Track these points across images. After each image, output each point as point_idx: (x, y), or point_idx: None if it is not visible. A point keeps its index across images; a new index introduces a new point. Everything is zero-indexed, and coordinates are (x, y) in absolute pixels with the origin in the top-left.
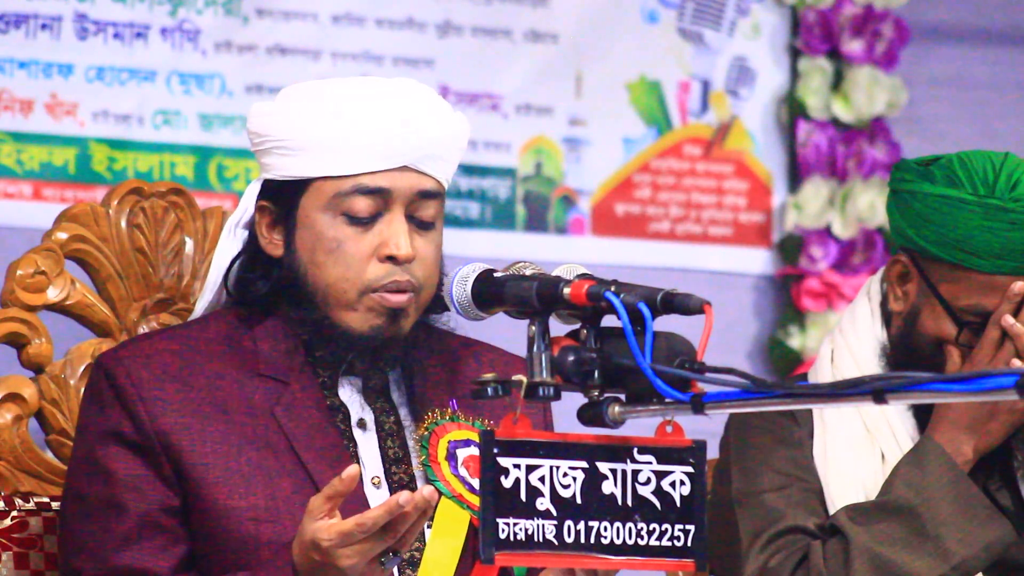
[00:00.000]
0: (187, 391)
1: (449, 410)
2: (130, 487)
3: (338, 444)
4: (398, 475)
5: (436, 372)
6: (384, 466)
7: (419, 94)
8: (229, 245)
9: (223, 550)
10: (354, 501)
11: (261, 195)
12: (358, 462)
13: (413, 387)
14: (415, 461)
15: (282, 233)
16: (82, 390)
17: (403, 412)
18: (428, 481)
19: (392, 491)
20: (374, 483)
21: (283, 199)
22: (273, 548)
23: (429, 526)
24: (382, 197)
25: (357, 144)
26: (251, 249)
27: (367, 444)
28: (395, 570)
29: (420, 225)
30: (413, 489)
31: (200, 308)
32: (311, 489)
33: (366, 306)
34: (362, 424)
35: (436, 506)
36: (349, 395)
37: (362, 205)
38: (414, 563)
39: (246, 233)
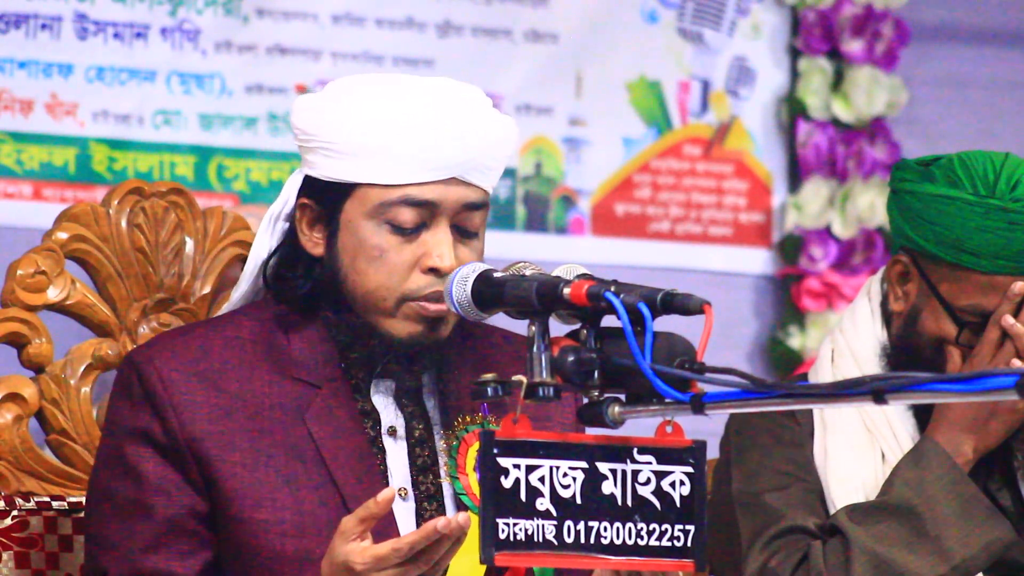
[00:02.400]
0: (218, 395)
1: (480, 415)
2: (158, 490)
3: (367, 455)
4: (425, 485)
5: (470, 373)
6: (412, 475)
7: (470, 103)
8: (267, 238)
9: (247, 561)
10: None
11: (303, 191)
12: (386, 472)
13: (446, 391)
14: (442, 471)
15: (323, 232)
16: (83, 390)
17: (435, 417)
18: (455, 495)
19: (419, 503)
20: (401, 495)
21: (326, 199)
22: (298, 563)
23: None
24: (428, 209)
25: (406, 154)
26: (290, 244)
27: (396, 453)
28: None
29: (464, 234)
30: (440, 501)
31: (235, 298)
32: (338, 502)
33: (404, 314)
34: (392, 432)
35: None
36: (382, 399)
37: (407, 216)
38: None
39: (286, 225)
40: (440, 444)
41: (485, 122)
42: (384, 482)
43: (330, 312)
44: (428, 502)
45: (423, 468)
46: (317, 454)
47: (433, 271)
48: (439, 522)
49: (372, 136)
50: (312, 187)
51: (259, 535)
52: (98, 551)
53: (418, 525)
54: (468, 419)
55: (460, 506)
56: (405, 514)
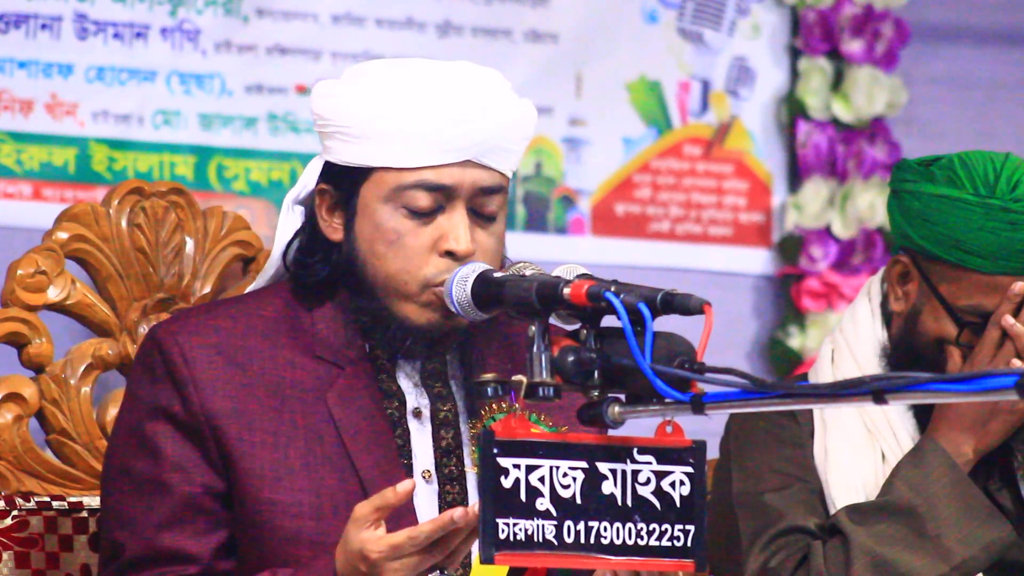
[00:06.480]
0: (240, 373)
1: (507, 402)
2: (176, 467)
3: (388, 438)
4: (449, 468)
5: (496, 358)
6: (436, 458)
7: (485, 85)
8: (288, 221)
9: (263, 541)
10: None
11: (322, 177)
12: (409, 454)
13: (470, 372)
14: (468, 460)
15: (342, 218)
16: (83, 390)
17: (460, 397)
18: (479, 485)
19: (442, 485)
20: (424, 477)
21: (344, 184)
22: (314, 546)
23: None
24: (443, 193)
25: (420, 137)
26: (310, 229)
27: (420, 435)
28: None
29: (481, 217)
30: (463, 484)
31: (261, 283)
32: (356, 486)
33: (425, 300)
34: (417, 414)
35: None
36: (407, 380)
37: (423, 200)
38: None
39: (302, 209)
40: (465, 430)
41: (500, 104)
42: (403, 466)
43: (349, 296)
44: (451, 485)
45: (447, 451)
46: (337, 436)
47: (449, 254)
48: (456, 512)
49: (386, 119)
50: (330, 172)
51: (275, 515)
52: (114, 526)
53: (440, 508)
54: (495, 406)
55: None
56: (428, 496)
